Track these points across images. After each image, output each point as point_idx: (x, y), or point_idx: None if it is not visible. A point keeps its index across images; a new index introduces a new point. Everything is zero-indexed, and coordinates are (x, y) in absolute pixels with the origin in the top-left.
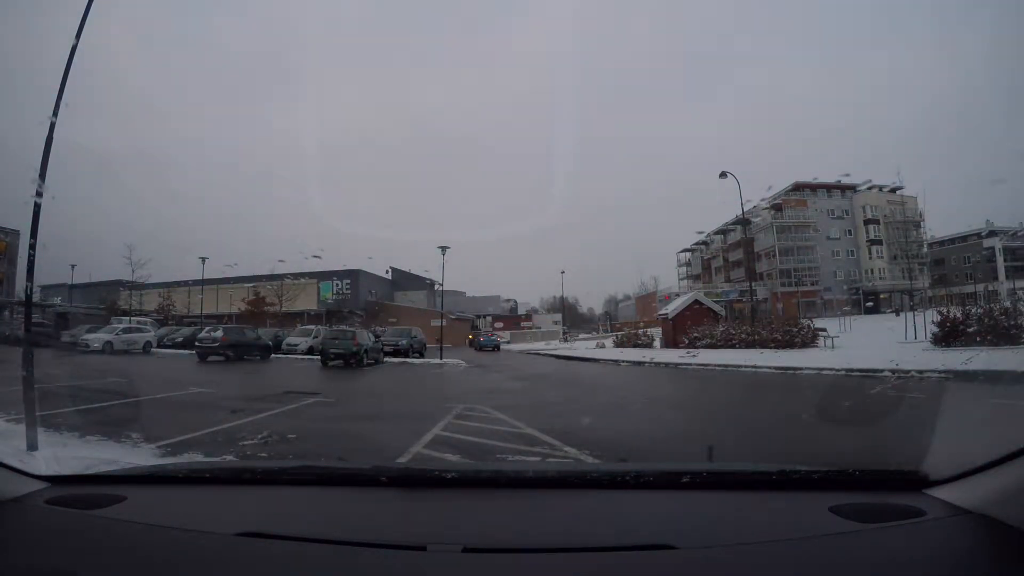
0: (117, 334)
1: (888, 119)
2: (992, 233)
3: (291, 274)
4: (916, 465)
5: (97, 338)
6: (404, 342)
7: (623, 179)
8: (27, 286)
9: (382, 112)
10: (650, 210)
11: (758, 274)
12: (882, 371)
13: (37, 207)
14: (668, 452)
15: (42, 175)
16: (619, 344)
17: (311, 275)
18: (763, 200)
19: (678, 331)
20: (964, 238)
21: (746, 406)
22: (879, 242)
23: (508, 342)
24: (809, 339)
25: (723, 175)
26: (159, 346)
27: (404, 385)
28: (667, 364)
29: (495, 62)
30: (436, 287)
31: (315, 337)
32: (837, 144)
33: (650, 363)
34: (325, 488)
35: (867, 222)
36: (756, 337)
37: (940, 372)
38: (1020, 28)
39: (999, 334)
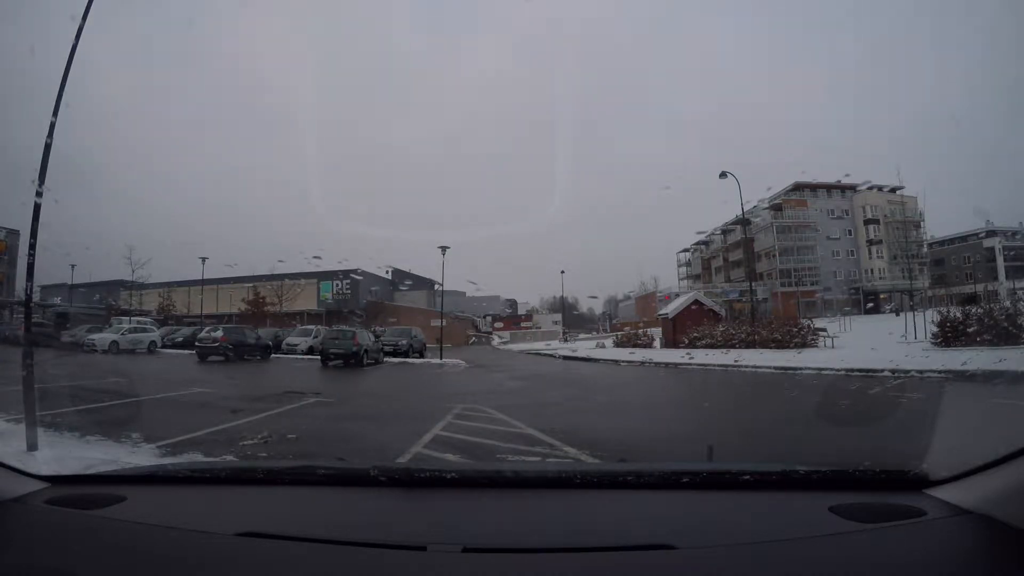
0: (123, 334)
1: (888, 119)
2: (992, 233)
3: (291, 274)
4: (916, 465)
5: (103, 338)
6: (404, 342)
7: (623, 179)
8: (27, 286)
9: (382, 112)
10: (650, 210)
11: (758, 274)
12: (882, 371)
13: (37, 207)
14: (668, 452)
15: (42, 176)
16: (619, 344)
17: (311, 275)
18: (763, 200)
19: (678, 331)
20: (964, 238)
21: (746, 406)
22: (879, 242)
23: (508, 342)
24: (809, 339)
25: (723, 175)
26: (160, 346)
27: (404, 385)
28: (667, 364)
29: (496, 61)
30: (436, 287)
31: (315, 337)
32: (837, 144)
33: (650, 363)
34: (325, 488)
35: (867, 222)
36: (756, 337)
37: (940, 372)
38: (1020, 26)
39: (999, 334)
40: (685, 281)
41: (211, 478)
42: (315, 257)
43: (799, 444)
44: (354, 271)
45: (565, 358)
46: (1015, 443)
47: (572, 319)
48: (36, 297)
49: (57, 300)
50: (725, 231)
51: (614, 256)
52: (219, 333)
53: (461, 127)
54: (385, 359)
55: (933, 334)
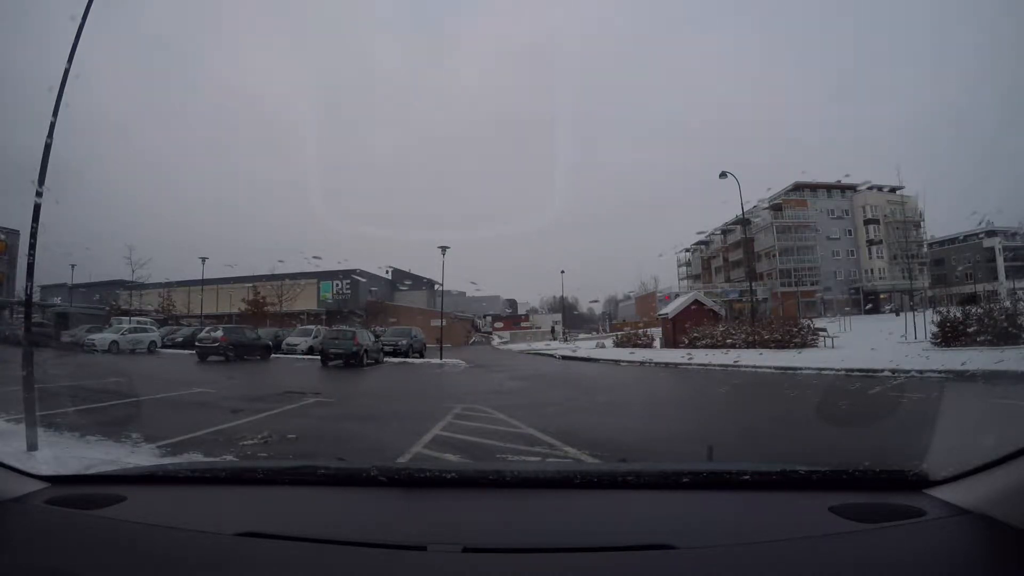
0: (123, 334)
1: (888, 119)
2: (992, 233)
3: (291, 274)
4: (916, 465)
5: (103, 338)
6: (404, 342)
7: (623, 179)
8: (27, 286)
9: (383, 113)
10: (650, 210)
11: (758, 274)
12: (882, 371)
13: (37, 207)
14: (668, 452)
15: (42, 176)
16: (619, 344)
17: (311, 275)
18: (762, 200)
19: (678, 331)
20: (964, 238)
21: (746, 406)
22: (879, 242)
23: (508, 342)
24: (809, 339)
25: (723, 175)
26: (160, 346)
27: (404, 385)
28: (667, 364)
29: (495, 60)
30: (436, 287)
31: (315, 337)
32: (837, 144)
33: (650, 363)
34: (325, 488)
35: (867, 222)
36: (756, 337)
37: (940, 372)
38: (1020, 26)
39: (999, 334)
40: (685, 281)
41: (211, 478)
42: (315, 257)
43: (799, 444)
44: (354, 271)
45: (565, 358)
46: (1015, 443)
47: (572, 319)
48: (36, 297)
49: (57, 300)
50: (725, 231)
51: (614, 256)
52: (219, 333)
53: (462, 128)
54: (385, 359)
55: (933, 334)
